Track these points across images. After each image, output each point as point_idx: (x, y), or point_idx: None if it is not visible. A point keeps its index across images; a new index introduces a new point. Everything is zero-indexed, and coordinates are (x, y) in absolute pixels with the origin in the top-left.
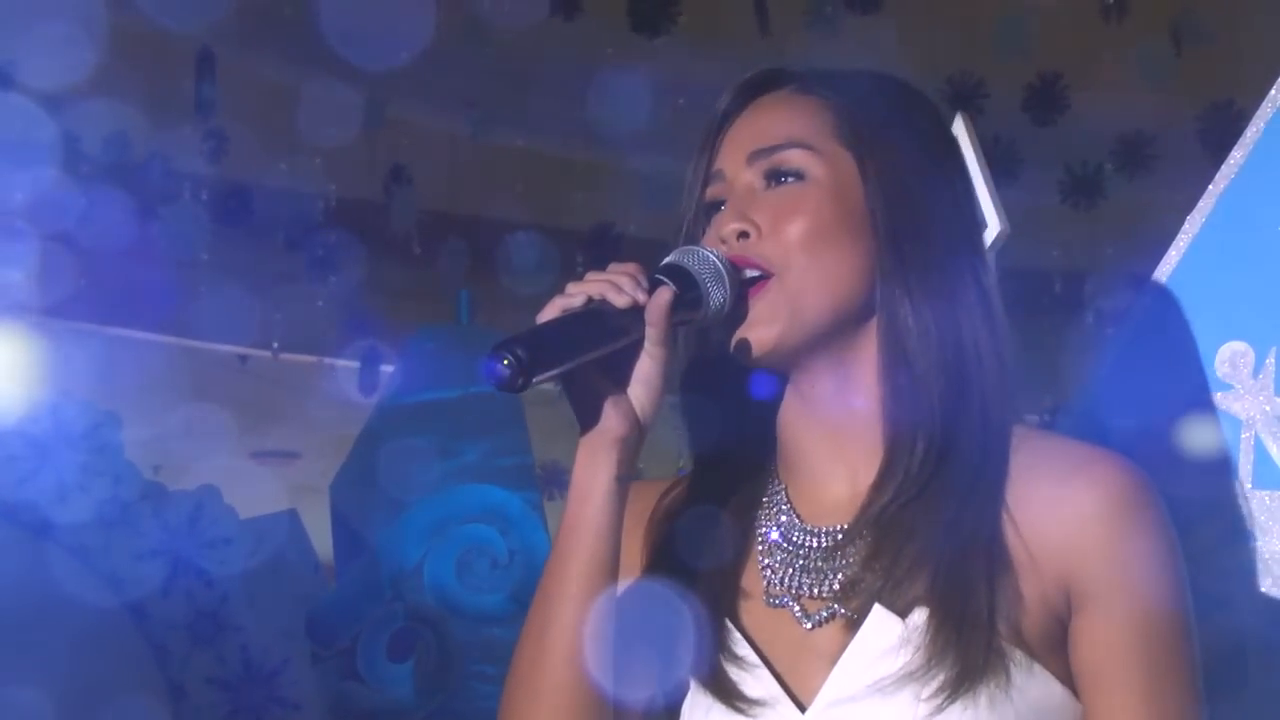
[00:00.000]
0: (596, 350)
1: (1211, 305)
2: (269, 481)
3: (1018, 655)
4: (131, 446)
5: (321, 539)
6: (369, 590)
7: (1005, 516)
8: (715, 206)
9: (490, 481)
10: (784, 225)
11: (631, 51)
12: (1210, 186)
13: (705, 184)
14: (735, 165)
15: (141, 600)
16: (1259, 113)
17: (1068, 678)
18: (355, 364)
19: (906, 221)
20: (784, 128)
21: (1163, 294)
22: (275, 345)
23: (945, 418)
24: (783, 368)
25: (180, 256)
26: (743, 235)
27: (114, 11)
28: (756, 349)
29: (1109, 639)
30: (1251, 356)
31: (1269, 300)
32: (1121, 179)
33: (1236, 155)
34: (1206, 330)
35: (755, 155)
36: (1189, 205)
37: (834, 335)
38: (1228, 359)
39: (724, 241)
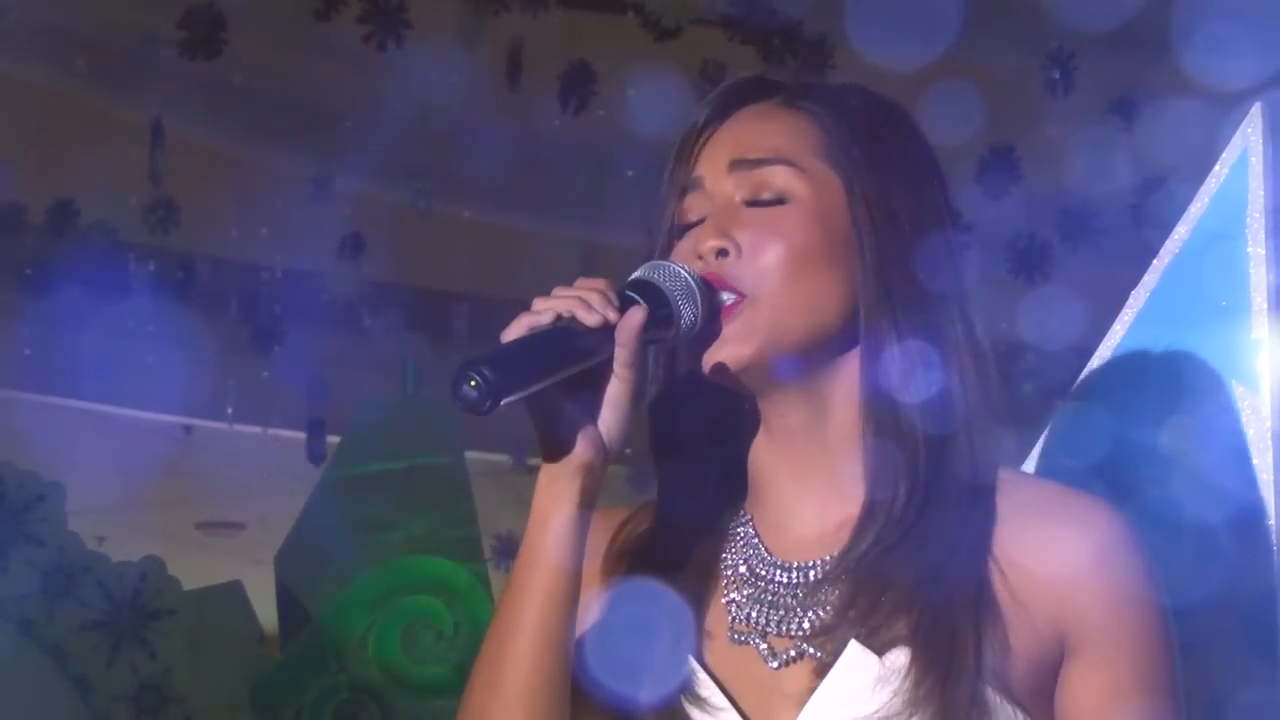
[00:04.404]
0: (565, 371)
1: (1155, 380)
2: (214, 553)
3: (1001, 704)
4: (75, 517)
5: (266, 610)
6: (314, 662)
7: (992, 561)
8: (692, 223)
9: (436, 553)
10: (763, 249)
11: (579, 124)
12: (1155, 261)
13: (683, 192)
14: (716, 173)
15: (85, 672)
16: (1203, 188)
17: None
18: (301, 435)
19: (893, 250)
20: (769, 140)
21: (1108, 368)
22: (229, 413)
23: (931, 460)
24: (754, 390)
25: (125, 327)
26: (722, 253)
27: (63, 80)
28: (733, 365)
29: (1105, 685)
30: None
31: (1213, 375)
32: (1068, 252)
33: (1181, 230)
34: (1149, 405)
35: (737, 164)
36: (1134, 280)
37: (810, 363)
38: None
39: (701, 257)
